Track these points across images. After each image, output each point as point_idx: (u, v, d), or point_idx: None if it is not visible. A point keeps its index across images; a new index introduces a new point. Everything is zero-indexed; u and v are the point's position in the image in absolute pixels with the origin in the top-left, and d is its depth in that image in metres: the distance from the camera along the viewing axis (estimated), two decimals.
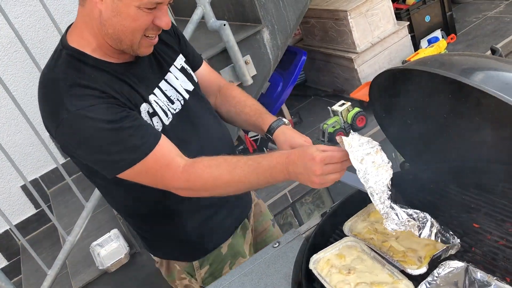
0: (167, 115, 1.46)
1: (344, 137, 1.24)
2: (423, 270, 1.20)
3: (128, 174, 1.32)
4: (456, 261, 1.18)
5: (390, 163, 1.20)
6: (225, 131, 1.69)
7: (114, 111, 1.27)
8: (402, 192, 1.54)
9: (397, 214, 1.20)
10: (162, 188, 1.38)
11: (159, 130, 1.41)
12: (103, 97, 1.28)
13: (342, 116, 2.91)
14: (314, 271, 1.32)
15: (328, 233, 1.48)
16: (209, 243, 1.65)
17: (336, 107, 2.93)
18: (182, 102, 1.52)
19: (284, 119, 1.64)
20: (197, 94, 1.59)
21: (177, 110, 1.49)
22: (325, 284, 1.27)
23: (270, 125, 1.58)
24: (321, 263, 1.35)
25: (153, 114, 1.41)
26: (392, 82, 1.36)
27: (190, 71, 1.60)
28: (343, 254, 1.36)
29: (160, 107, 1.44)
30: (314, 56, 3.46)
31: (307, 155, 1.21)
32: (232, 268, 1.68)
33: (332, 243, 1.41)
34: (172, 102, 1.49)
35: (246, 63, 2.43)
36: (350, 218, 1.48)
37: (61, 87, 1.27)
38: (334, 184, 1.40)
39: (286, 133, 1.56)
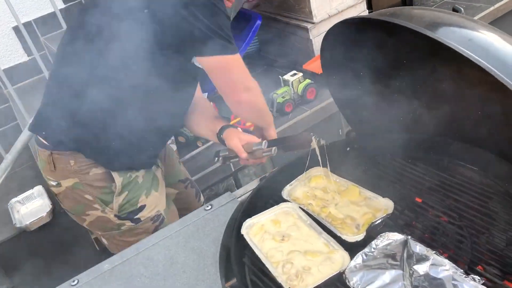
0: None
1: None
2: (359, 237, 1.13)
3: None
4: (395, 233, 1.11)
5: None
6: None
7: None
8: (346, 161, 1.46)
9: None
10: None
11: None
12: None
13: (292, 87, 2.81)
14: (246, 237, 1.22)
15: (265, 198, 1.38)
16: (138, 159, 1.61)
17: (287, 76, 2.82)
18: None
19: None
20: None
21: None
22: (255, 251, 1.17)
23: (222, 126, 1.66)
24: (255, 228, 1.25)
25: None
26: (349, 34, 1.26)
27: None
28: (279, 220, 1.27)
29: None
30: (270, 24, 3.32)
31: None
32: (148, 198, 1.63)
33: (269, 208, 1.31)
34: None
35: None
36: (290, 183, 1.39)
37: None
38: (279, 155, 1.52)
39: (234, 130, 1.65)
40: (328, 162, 1.39)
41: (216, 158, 1.65)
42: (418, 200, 1.29)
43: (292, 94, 2.81)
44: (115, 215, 1.59)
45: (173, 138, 2.54)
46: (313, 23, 2.96)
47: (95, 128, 1.48)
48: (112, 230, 1.63)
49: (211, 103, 2.90)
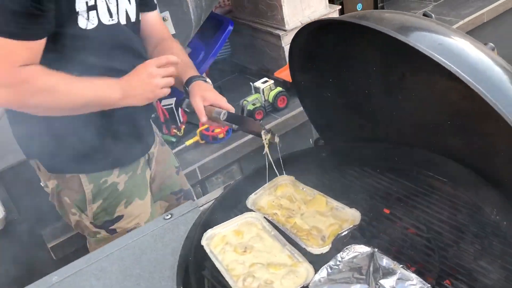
0: (111, 16, 1.33)
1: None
2: (325, 249, 1.07)
3: None
4: (362, 246, 1.06)
5: None
6: None
7: None
8: (314, 170, 1.41)
9: None
10: None
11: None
12: None
13: (263, 94, 2.76)
14: (206, 248, 1.15)
15: (229, 207, 1.32)
16: (98, 158, 1.45)
17: (258, 83, 2.77)
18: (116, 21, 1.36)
19: (207, 79, 1.52)
20: (134, 30, 1.48)
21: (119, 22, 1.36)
22: (215, 263, 1.10)
23: (190, 77, 1.49)
24: (216, 239, 1.19)
25: (92, 7, 1.27)
26: (317, 38, 1.21)
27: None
28: (242, 230, 1.20)
29: (107, 4, 1.31)
30: (242, 30, 3.28)
31: (141, 67, 1.34)
32: (127, 208, 1.51)
33: (232, 218, 1.24)
34: (111, 15, 1.34)
35: (164, 19, 2.18)
36: (256, 192, 1.32)
37: None
38: (249, 163, 1.36)
39: (201, 85, 1.45)
40: (281, 164, 1.33)
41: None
42: (386, 211, 1.25)
43: (263, 102, 2.77)
44: (91, 222, 1.50)
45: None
46: (285, 30, 2.94)
47: (37, 126, 1.35)
48: (90, 237, 1.55)
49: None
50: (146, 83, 1.33)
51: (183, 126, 2.68)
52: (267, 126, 2.73)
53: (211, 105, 1.40)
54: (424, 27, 0.90)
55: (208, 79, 1.50)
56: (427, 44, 0.83)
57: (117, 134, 1.45)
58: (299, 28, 1.19)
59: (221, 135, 2.64)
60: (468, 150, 1.20)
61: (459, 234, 1.12)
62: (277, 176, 1.34)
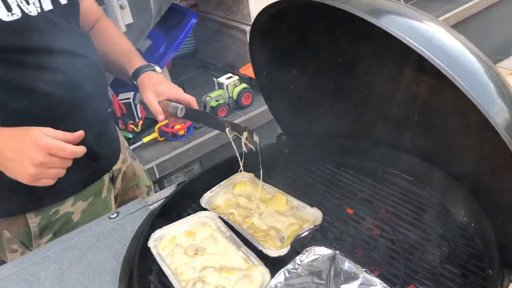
0: (9, 10, 1.06)
1: None
2: (283, 251, 0.99)
3: None
4: (322, 248, 0.97)
5: None
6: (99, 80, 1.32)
7: None
8: (275, 167, 1.33)
9: None
10: None
11: None
12: None
13: (227, 91, 2.66)
14: (153, 250, 1.04)
15: (181, 206, 1.21)
16: (44, 192, 1.14)
17: (222, 79, 2.66)
18: (39, 10, 1.13)
19: (156, 66, 1.35)
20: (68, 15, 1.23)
21: (33, 13, 1.11)
22: (163, 267, 0.99)
23: (137, 68, 1.30)
24: (165, 240, 1.08)
25: None
26: (279, 24, 1.13)
27: None
28: (194, 231, 1.10)
29: None
30: (207, 24, 3.17)
31: (28, 137, 0.95)
32: None
33: (184, 217, 1.14)
34: (28, 2, 1.11)
35: (121, 7, 2.06)
36: (211, 189, 1.22)
37: None
38: (211, 161, 1.19)
39: (152, 77, 1.28)
40: (240, 160, 1.24)
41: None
42: (350, 211, 1.17)
43: (227, 99, 2.67)
44: None
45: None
46: (250, 25, 2.86)
47: None
48: None
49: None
50: (25, 163, 0.95)
51: (141, 122, 2.55)
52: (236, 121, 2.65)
53: (167, 99, 1.25)
54: (393, 9, 0.83)
55: (157, 67, 1.33)
56: (397, 26, 0.75)
57: None
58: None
59: (181, 132, 2.52)
60: (435, 148, 1.14)
61: (425, 236, 1.05)
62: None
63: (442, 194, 1.15)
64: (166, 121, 2.49)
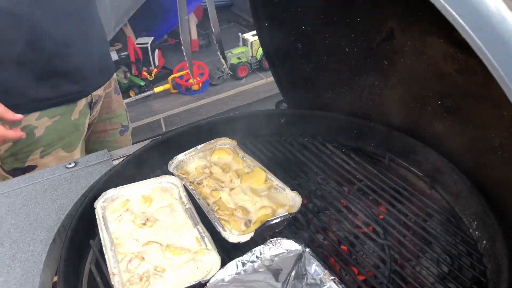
0: None
1: None
2: (244, 238, 0.81)
3: None
4: (291, 241, 0.80)
5: None
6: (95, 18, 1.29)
7: None
8: (266, 136, 1.14)
9: None
10: None
11: None
12: None
13: (251, 49, 2.46)
14: (99, 211, 0.89)
15: (146, 166, 1.05)
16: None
17: (248, 35, 2.46)
18: None
19: None
20: None
21: None
22: (101, 233, 0.85)
23: None
24: (117, 203, 0.93)
25: None
26: None
27: None
28: (151, 197, 0.95)
29: None
30: None
31: None
32: (43, 158, 1.24)
33: (145, 179, 0.98)
34: None
35: None
36: (185, 152, 1.06)
37: None
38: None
39: None
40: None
41: None
42: (343, 202, 0.98)
43: (250, 57, 2.47)
44: (0, 166, 1.23)
45: None
46: None
47: None
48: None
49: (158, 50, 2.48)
50: None
51: (155, 70, 2.40)
52: (249, 86, 2.45)
53: None
54: None
55: None
56: None
57: (38, 68, 1.15)
58: None
59: (195, 87, 2.36)
60: (455, 141, 0.92)
61: (424, 247, 0.85)
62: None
63: (455, 198, 0.94)
64: (182, 72, 2.33)
